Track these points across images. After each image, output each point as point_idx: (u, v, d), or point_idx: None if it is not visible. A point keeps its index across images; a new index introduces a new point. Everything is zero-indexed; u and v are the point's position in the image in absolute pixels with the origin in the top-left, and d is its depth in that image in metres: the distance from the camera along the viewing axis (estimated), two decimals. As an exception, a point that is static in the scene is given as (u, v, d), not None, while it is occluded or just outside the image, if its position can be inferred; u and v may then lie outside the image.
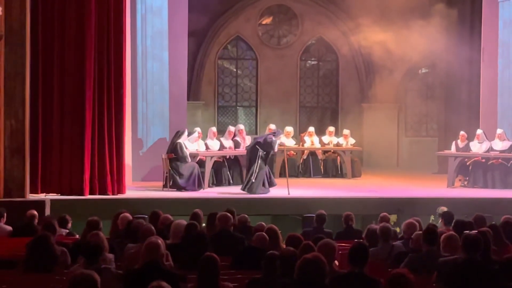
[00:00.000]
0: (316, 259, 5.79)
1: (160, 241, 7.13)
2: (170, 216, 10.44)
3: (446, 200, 14.63)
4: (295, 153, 20.28)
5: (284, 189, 15.58)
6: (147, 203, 14.11)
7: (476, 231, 7.88)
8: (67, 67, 14.74)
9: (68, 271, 7.49)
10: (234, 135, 18.14)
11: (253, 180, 15.71)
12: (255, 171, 15.72)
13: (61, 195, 14.59)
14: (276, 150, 16.35)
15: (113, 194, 14.80)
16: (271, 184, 16.12)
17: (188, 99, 19.80)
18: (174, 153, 16.02)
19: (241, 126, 18.84)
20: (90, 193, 14.66)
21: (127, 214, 10.47)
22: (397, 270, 5.66)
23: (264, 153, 15.90)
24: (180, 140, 16.11)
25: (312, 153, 20.16)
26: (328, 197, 15.40)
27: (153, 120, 18.03)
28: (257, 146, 15.92)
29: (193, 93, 23.23)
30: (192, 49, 21.83)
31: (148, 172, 17.52)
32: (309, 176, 19.79)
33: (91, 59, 14.71)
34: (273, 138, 16.01)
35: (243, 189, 15.75)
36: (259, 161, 15.80)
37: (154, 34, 17.94)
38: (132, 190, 15.62)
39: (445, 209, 12.61)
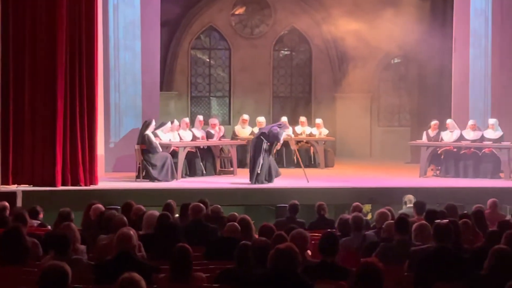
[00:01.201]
0: (289, 249, 5.80)
1: (132, 232, 7.12)
2: (142, 207, 10.41)
3: (418, 190, 14.71)
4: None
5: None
6: (120, 194, 14.04)
7: (447, 220, 7.93)
8: (38, 58, 14.61)
9: (40, 263, 7.45)
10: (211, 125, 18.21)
11: (259, 171, 15.74)
12: (260, 162, 15.74)
13: (33, 186, 14.50)
14: (281, 141, 16.34)
15: (85, 185, 14.72)
16: (276, 175, 16.15)
17: (161, 90, 19.74)
18: (145, 145, 15.97)
19: (215, 121, 18.74)
20: (62, 184, 14.57)
21: (99, 205, 10.45)
22: (367, 259, 5.68)
23: (268, 144, 15.93)
24: (147, 132, 16.03)
25: (285, 143, 20.13)
26: (301, 187, 15.43)
27: (126, 111, 17.94)
28: (261, 137, 15.94)
29: (166, 83, 23.16)
30: (164, 39, 21.73)
31: (121, 163, 17.43)
32: (282, 166, 19.73)
33: (63, 50, 14.58)
34: (279, 129, 16.01)
35: (252, 182, 15.73)
36: (264, 153, 15.83)
37: (127, 24, 17.83)
38: (105, 181, 15.54)
39: (411, 197, 12.74)
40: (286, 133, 16.35)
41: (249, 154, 16.54)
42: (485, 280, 6.27)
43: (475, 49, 19.49)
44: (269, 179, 15.93)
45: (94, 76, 14.96)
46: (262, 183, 15.70)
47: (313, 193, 14.56)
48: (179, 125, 17.29)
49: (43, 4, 14.59)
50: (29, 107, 14.60)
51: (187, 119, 17.99)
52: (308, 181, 15.81)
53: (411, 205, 12.45)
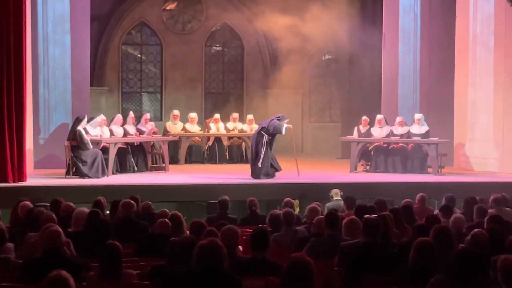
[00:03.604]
0: (212, 244, 5.78)
1: (60, 229, 7.02)
2: (72, 204, 10.28)
3: (349, 185, 14.87)
4: (200, 139, 20.25)
5: (191, 175, 15.56)
6: (49, 191, 13.83)
7: (376, 215, 8.03)
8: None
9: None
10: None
11: (260, 166, 15.75)
12: (261, 157, 15.75)
13: (-41, 183, 14.21)
14: (284, 132, 16.28)
15: (13, 182, 14.45)
16: (276, 169, 16.16)
17: (91, 85, 19.51)
18: (75, 140, 15.77)
19: (148, 116, 18.66)
20: (-11, 181, 14.32)
21: (28, 202, 10.30)
22: (296, 254, 5.72)
23: (269, 138, 15.93)
24: (79, 127, 15.82)
25: (218, 139, 20.17)
26: (233, 183, 15.44)
27: (55, 106, 17.70)
28: (262, 131, 15.92)
29: (96, 79, 22.92)
30: (95, 34, 21.52)
31: (50, 159, 17.18)
32: (215, 162, 19.81)
33: (-11, 44, 14.31)
34: (278, 122, 16.00)
35: (254, 176, 15.78)
36: (265, 147, 15.83)
37: (56, 18, 17.58)
38: (34, 178, 15.30)
39: (337, 191, 12.91)
40: (287, 125, 16.34)
41: (250, 150, 16.43)
42: (410, 273, 6.38)
43: (404, 45, 19.81)
44: (272, 174, 15.98)
45: (22, 71, 14.69)
46: (263, 177, 15.76)
47: (245, 189, 14.60)
48: (107, 121, 17.09)
49: (-31, -3, 14.29)
50: (-45, 102, 14.28)
51: (121, 116, 17.83)
52: (298, 175, 15.88)
53: (338, 198, 12.64)
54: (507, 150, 17.61)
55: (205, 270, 5.71)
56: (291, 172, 16.48)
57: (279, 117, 16.40)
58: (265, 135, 15.94)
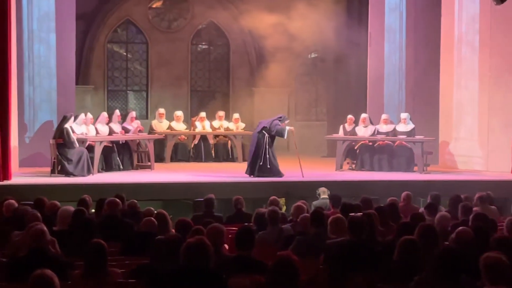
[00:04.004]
0: (200, 243, 5.78)
1: (45, 227, 7.00)
2: (57, 202, 10.25)
3: (334, 183, 14.89)
4: (186, 138, 20.23)
5: (176, 173, 15.54)
6: (34, 189, 13.76)
7: (361, 213, 8.05)
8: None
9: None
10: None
11: (261, 164, 15.83)
12: (262, 155, 15.81)
13: None
14: (286, 137, 16.40)
15: (-2, 181, 14.41)
16: (278, 172, 16.15)
17: (76, 83, 19.44)
18: (61, 139, 15.71)
19: (134, 114, 18.65)
20: (-26, 180, 14.25)
21: (13, 201, 10.28)
22: (282, 252, 5.73)
23: (270, 137, 16.03)
24: (67, 125, 15.79)
25: (203, 138, 20.15)
26: (219, 182, 15.43)
27: (40, 105, 17.64)
28: (263, 131, 15.98)
29: (82, 77, 22.83)
30: (81, 32, 21.44)
31: (35, 157, 17.12)
32: (201, 161, 19.79)
33: (-26, 41, 14.23)
34: (279, 124, 16.04)
35: (253, 174, 15.86)
36: (266, 146, 15.86)
37: (41, 16, 17.52)
38: (19, 176, 15.24)
39: (324, 189, 12.94)
40: (289, 127, 16.36)
41: (249, 148, 16.44)
42: (395, 270, 6.39)
43: (389, 44, 19.85)
44: (268, 173, 15.96)
45: (7, 69, 14.61)
46: (263, 175, 15.81)
47: (231, 187, 14.58)
48: (93, 119, 17.05)
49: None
50: None
51: (106, 114, 17.80)
52: (303, 176, 15.87)
53: (325, 196, 12.66)
54: (492, 149, 17.69)
55: (191, 269, 5.70)
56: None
57: (280, 117, 16.42)
58: (266, 135, 15.99)
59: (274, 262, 5.45)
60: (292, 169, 17.10)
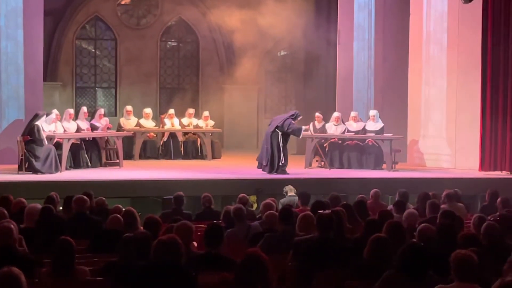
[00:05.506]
0: (171, 241, 5.79)
1: (12, 225, 6.94)
2: (24, 200, 10.17)
3: (304, 181, 14.94)
4: (155, 135, 20.15)
5: (145, 171, 15.48)
6: (1, 186, 13.64)
7: (329, 210, 8.08)
8: None
9: None
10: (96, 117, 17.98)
11: (283, 162, 16.01)
12: (281, 155, 16.01)
13: None
14: (301, 137, 16.65)
15: (-35, 178, 14.27)
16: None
17: (44, 80, 19.27)
18: (31, 135, 15.56)
19: (102, 111, 18.57)
20: None
21: (-21, 199, 10.15)
22: (250, 250, 5.73)
23: (282, 135, 16.13)
24: (37, 122, 15.67)
25: (173, 135, 20.09)
26: (188, 179, 15.39)
27: (8, 102, 17.45)
28: (277, 130, 16.08)
29: (50, 73, 22.65)
30: (48, 29, 21.28)
31: (2, 155, 16.95)
32: (170, 158, 19.73)
33: None
34: (293, 123, 16.11)
35: (274, 172, 15.96)
36: (282, 144, 16.06)
37: (8, 12, 17.33)
38: (-14, 174, 15.11)
39: (291, 187, 12.99)
40: (305, 129, 16.64)
41: (264, 146, 16.42)
42: (365, 267, 6.43)
43: (358, 42, 19.92)
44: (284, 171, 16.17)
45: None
46: (284, 173, 15.95)
47: (200, 185, 14.56)
48: (60, 116, 16.94)
49: None
50: None
51: (71, 110, 17.71)
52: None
53: (292, 193, 12.70)
54: (460, 147, 17.85)
55: (161, 266, 5.70)
56: (250, 167, 16.58)
57: (293, 114, 16.45)
58: (280, 133, 16.04)
59: (243, 259, 5.46)
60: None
